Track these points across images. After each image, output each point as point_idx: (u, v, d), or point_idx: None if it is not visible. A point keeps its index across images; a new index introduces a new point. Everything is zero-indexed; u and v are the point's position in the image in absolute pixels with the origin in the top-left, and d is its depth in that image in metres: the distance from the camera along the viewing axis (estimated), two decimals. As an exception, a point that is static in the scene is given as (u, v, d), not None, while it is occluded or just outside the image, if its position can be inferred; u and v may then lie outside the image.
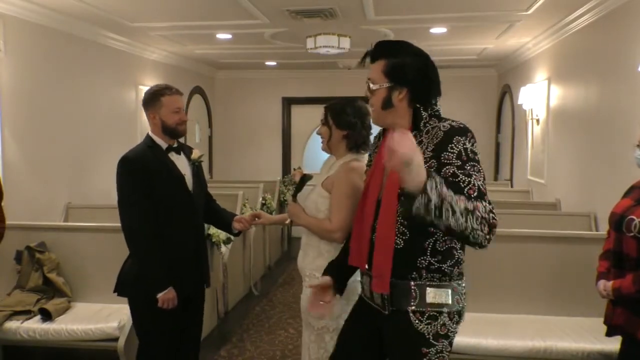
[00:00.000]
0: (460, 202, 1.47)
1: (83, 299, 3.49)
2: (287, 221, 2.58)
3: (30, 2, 3.89)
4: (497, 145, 7.40)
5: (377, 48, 1.75)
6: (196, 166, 2.64)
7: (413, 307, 1.68)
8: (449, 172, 1.56)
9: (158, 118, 2.51)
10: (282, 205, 6.57)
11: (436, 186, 1.42)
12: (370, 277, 1.75)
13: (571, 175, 4.55)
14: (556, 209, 4.62)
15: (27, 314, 3.21)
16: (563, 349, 2.78)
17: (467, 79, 7.50)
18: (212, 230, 3.89)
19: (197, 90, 7.45)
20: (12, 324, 3.12)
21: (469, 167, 1.56)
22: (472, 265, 2.91)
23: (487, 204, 1.52)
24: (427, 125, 1.69)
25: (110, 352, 3.11)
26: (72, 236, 3.60)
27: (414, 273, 1.68)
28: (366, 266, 1.79)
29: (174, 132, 2.53)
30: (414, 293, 1.67)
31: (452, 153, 1.58)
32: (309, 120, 7.79)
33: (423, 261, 1.67)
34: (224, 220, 2.78)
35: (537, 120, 5.43)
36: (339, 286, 1.95)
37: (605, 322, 2.36)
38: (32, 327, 3.12)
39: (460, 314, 1.73)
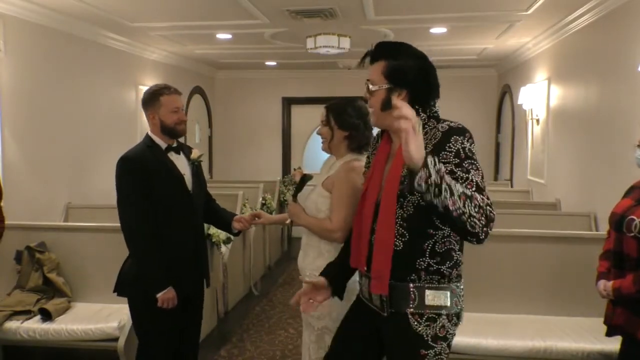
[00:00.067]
0: (459, 186, 1.48)
1: (83, 299, 3.49)
2: (287, 221, 2.58)
3: (30, 2, 3.89)
4: (497, 145, 7.40)
5: (376, 49, 1.75)
6: (196, 166, 2.64)
7: (412, 309, 1.68)
8: (447, 169, 1.56)
9: (157, 118, 2.50)
10: (282, 205, 6.57)
11: (435, 164, 1.43)
12: (369, 279, 1.74)
13: (571, 175, 4.55)
14: (556, 209, 4.62)
15: (27, 314, 3.21)
16: (563, 349, 2.78)
17: (467, 79, 7.51)
18: (212, 230, 3.89)
19: (197, 90, 7.45)
20: (12, 324, 3.12)
21: (466, 164, 1.57)
22: (472, 265, 2.92)
23: (486, 198, 1.52)
24: (426, 126, 1.69)
25: (110, 352, 3.11)
26: (72, 236, 3.60)
27: (413, 275, 1.68)
28: (365, 268, 1.79)
29: (173, 131, 2.53)
30: (412, 295, 1.68)
31: (450, 152, 1.58)
32: (309, 120, 7.79)
33: (422, 263, 1.67)
34: (223, 220, 2.78)
35: (537, 120, 5.43)
36: (337, 288, 1.95)
37: (605, 322, 2.36)
38: (32, 327, 3.12)
39: (458, 316, 1.73)
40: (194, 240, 2.59)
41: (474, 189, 1.53)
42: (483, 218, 1.48)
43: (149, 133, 2.55)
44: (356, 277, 2.00)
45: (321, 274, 1.96)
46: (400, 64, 1.69)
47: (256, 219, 2.72)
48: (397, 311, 1.70)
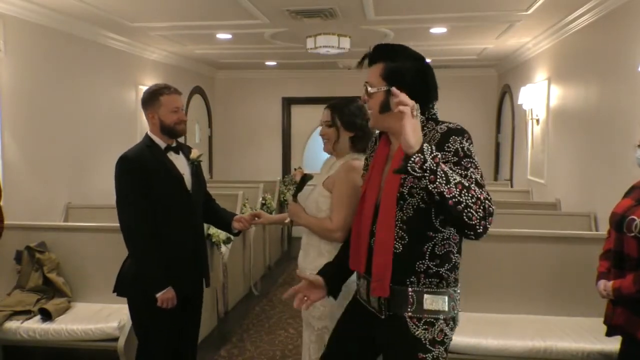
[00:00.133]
0: (456, 176, 1.47)
1: (83, 299, 3.49)
2: (287, 221, 2.58)
3: (30, 2, 3.89)
4: (497, 145, 7.41)
5: (375, 51, 1.75)
6: (195, 166, 2.64)
7: (410, 313, 1.68)
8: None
9: (157, 117, 2.50)
10: (282, 205, 6.57)
11: (432, 152, 1.44)
12: (368, 281, 1.74)
13: (571, 175, 4.55)
14: (556, 209, 4.62)
15: (27, 314, 3.21)
16: (563, 349, 2.78)
17: (467, 79, 7.51)
18: (212, 230, 3.89)
19: (197, 90, 7.45)
20: (12, 324, 3.12)
21: (465, 163, 1.57)
22: (472, 265, 2.93)
23: (485, 193, 1.52)
24: (425, 128, 1.69)
25: (110, 352, 3.11)
26: (72, 236, 3.60)
27: (412, 277, 1.68)
28: (364, 270, 1.78)
29: (172, 131, 2.53)
30: (411, 299, 1.68)
31: (449, 152, 1.58)
32: (309, 120, 7.80)
33: (421, 265, 1.67)
34: (223, 219, 2.78)
35: (537, 120, 5.43)
36: (332, 288, 1.94)
37: (605, 322, 2.36)
38: (32, 327, 3.12)
39: (454, 320, 1.74)
40: (193, 240, 2.59)
41: (472, 184, 1.53)
42: (480, 210, 1.47)
43: (149, 133, 2.55)
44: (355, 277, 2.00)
45: (318, 273, 1.97)
46: (397, 66, 1.69)
47: (256, 218, 2.72)
48: (395, 314, 1.70)
